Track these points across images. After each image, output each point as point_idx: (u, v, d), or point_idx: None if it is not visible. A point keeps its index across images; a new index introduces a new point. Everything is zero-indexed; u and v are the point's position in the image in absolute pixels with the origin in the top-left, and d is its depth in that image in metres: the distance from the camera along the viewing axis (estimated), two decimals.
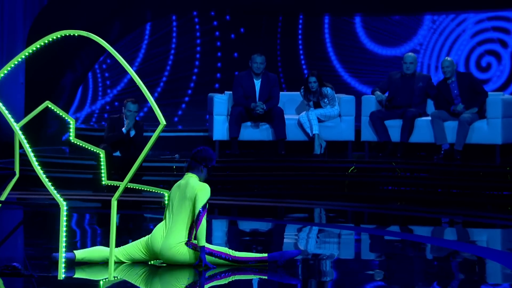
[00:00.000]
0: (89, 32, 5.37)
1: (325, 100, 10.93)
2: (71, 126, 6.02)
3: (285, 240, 7.26)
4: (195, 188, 5.70)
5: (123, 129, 10.10)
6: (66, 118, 6.01)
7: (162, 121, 4.75)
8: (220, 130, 11.02)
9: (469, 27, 12.98)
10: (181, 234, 5.66)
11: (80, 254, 5.71)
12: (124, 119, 10.14)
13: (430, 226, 8.11)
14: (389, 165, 10.30)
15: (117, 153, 10.15)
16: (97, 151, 6.10)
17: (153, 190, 6.18)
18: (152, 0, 13.10)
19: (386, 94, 10.97)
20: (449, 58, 10.84)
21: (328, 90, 10.94)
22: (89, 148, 6.13)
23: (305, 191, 10.09)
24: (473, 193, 9.71)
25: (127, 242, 5.93)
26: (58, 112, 6.03)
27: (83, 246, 6.62)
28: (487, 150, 10.57)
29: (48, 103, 5.92)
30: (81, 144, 6.07)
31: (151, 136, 5.38)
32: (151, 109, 13.47)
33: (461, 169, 10.09)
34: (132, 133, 10.19)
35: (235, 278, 5.52)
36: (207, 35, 13.62)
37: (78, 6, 12.48)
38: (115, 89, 13.50)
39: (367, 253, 6.72)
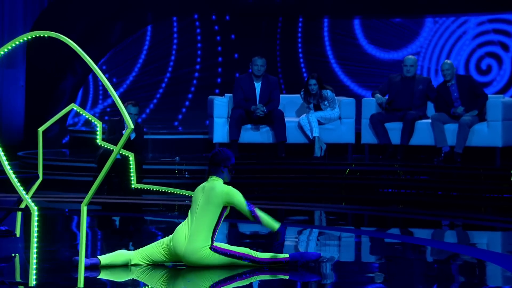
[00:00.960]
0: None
1: (325, 103, 10.94)
2: (98, 129, 5.98)
3: (285, 243, 7.25)
4: (221, 196, 5.72)
5: (123, 131, 10.09)
6: (93, 120, 5.97)
7: (130, 124, 4.72)
8: (220, 132, 11.02)
9: (469, 30, 12.98)
10: (205, 238, 5.67)
11: (104, 259, 5.72)
12: (124, 121, 10.14)
13: (430, 229, 8.11)
14: (390, 168, 10.30)
15: (118, 156, 10.15)
16: (127, 155, 6.07)
17: (179, 193, 6.18)
18: (153, 3, 13.11)
19: (386, 97, 10.98)
20: (448, 61, 10.83)
21: (328, 93, 10.94)
22: (123, 152, 6.08)
23: (305, 194, 10.09)
24: (473, 195, 9.70)
25: (127, 245, 5.93)
26: (84, 114, 6.01)
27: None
28: (487, 153, 10.57)
29: (73, 106, 5.90)
30: (109, 147, 6.05)
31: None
32: (152, 112, 13.47)
33: (461, 172, 10.09)
34: (133, 135, 10.19)
35: (257, 279, 5.52)
36: (208, 38, 13.63)
37: (79, 9, 12.48)
38: (117, 91, 13.51)
39: (367, 256, 6.72)
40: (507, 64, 12.73)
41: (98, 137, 5.94)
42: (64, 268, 5.80)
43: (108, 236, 7.40)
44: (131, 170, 6.02)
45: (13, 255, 6.00)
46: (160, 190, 6.30)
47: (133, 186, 6.07)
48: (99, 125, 5.96)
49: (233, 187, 5.85)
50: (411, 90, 10.87)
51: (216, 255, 5.67)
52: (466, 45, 13.00)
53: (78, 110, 5.94)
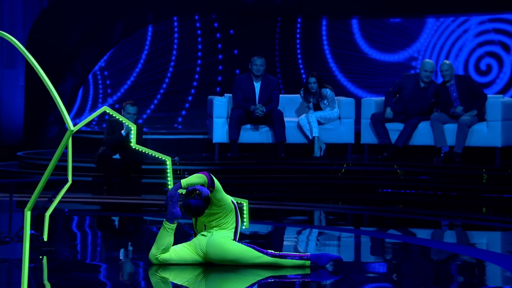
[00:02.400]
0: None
1: (325, 102, 10.93)
2: (132, 131, 5.97)
3: (285, 243, 7.26)
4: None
5: (122, 131, 10.09)
6: (127, 123, 5.94)
7: (70, 126, 4.70)
8: (219, 132, 11.02)
9: (469, 30, 12.98)
10: (227, 231, 5.69)
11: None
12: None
13: (430, 229, 8.11)
14: (389, 168, 10.30)
15: (117, 156, 10.15)
16: (163, 158, 6.05)
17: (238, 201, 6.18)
18: (154, 3, 13.11)
19: (390, 111, 10.73)
20: (447, 62, 10.82)
21: (327, 92, 10.93)
22: (153, 154, 6.07)
23: (304, 194, 10.10)
24: (472, 195, 9.71)
25: (126, 246, 5.93)
26: (116, 117, 5.99)
27: (83, 248, 6.62)
28: (487, 153, 10.58)
29: (105, 108, 5.87)
30: (143, 150, 6.03)
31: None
32: (152, 112, 13.47)
33: (461, 172, 10.09)
34: (131, 136, 10.19)
35: (256, 279, 5.53)
36: (208, 38, 13.63)
37: (78, 8, 12.48)
38: (115, 95, 13.49)
39: (367, 256, 6.72)
40: (508, 64, 12.73)
41: (132, 140, 5.91)
42: (63, 268, 5.80)
43: (107, 237, 7.40)
44: (168, 174, 6.01)
45: (40, 257, 5.97)
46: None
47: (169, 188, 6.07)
48: (133, 128, 5.93)
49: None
50: (424, 97, 10.76)
51: (238, 243, 5.67)
52: (466, 46, 13.00)
53: (110, 113, 5.91)
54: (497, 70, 12.81)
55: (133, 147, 5.98)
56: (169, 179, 6.07)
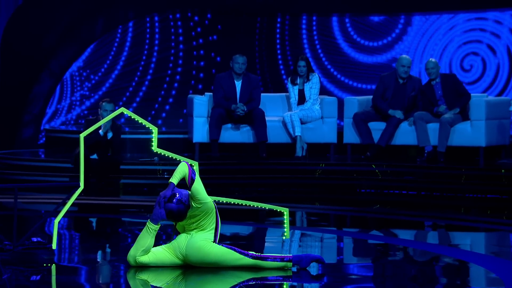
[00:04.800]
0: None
1: (310, 84, 10.95)
2: (153, 134, 5.89)
3: (266, 244, 7.27)
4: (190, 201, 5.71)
5: (100, 131, 10.07)
6: (148, 126, 5.88)
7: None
8: (200, 132, 11.02)
9: (455, 27, 13.05)
10: (207, 233, 5.70)
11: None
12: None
13: (413, 230, 8.15)
14: (372, 168, 10.34)
15: (94, 156, 10.12)
16: (191, 163, 5.98)
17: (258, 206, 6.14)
18: (132, 0, 13.10)
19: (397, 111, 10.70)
20: (433, 59, 10.86)
21: (315, 76, 11.01)
22: (175, 157, 5.99)
23: (286, 194, 10.11)
24: (456, 196, 9.77)
25: (104, 248, 5.92)
26: (136, 119, 5.95)
27: (60, 251, 6.59)
28: (471, 153, 10.64)
29: (123, 109, 5.83)
30: (165, 154, 5.95)
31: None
32: (134, 110, 13.43)
33: (444, 172, 10.15)
34: (110, 135, 10.16)
35: (238, 281, 5.54)
36: (189, 35, 13.62)
37: (54, 6, 12.43)
38: (93, 97, 13.44)
39: (349, 257, 6.74)
40: (493, 64, 12.81)
41: (153, 143, 5.83)
42: (39, 271, 5.78)
43: (85, 239, 7.38)
44: (285, 225, 6.02)
45: (44, 264, 5.90)
46: (226, 201, 6.22)
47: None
48: (154, 131, 5.88)
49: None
50: (404, 92, 10.82)
51: (218, 245, 5.68)
52: (451, 44, 13.07)
53: (128, 114, 5.87)
54: (482, 69, 12.89)
55: (155, 151, 5.89)
56: (285, 230, 6.15)
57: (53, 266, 5.91)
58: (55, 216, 5.90)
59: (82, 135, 5.86)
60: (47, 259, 6.00)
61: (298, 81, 11.04)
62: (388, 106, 10.76)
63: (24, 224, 7.78)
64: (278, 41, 13.65)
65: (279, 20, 13.64)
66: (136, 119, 5.93)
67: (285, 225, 6.17)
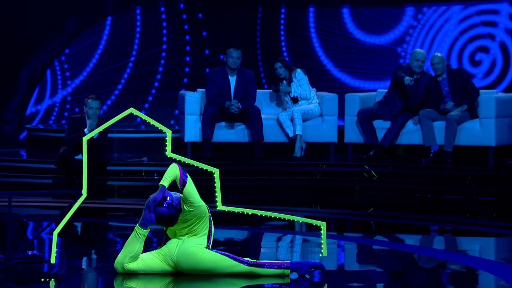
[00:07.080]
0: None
1: (295, 81, 10.93)
2: (167, 137, 5.84)
3: (262, 250, 7.26)
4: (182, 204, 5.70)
5: (86, 130, 10.04)
6: (160, 128, 5.84)
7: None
8: (192, 131, 11.00)
9: (454, 20, 13.09)
10: (200, 239, 5.68)
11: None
12: (86, 118, 10.09)
13: (419, 234, 8.15)
14: (374, 169, 10.33)
15: (79, 156, 10.10)
16: (210, 170, 5.94)
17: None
18: None
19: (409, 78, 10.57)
20: (439, 54, 10.83)
21: (297, 71, 10.96)
22: (198, 166, 5.90)
23: (284, 197, 10.10)
24: (464, 198, 9.77)
25: (89, 254, 5.91)
26: (146, 120, 5.91)
27: (42, 257, 6.56)
28: (480, 153, 10.64)
29: (132, 110, 5.82)
30: (183, 161, 5.87)
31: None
32: (111, 107, 13.42)
33: (452, 173, 10.14)
34: (96, 134, 10.14)
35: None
36: (175, 29, 13.62)
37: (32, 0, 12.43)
38: (74, 81, 13.44)
39: (351, 264, 6.74)
40: (499, 57, 12.83)
41: (167, 148, 5.79)
42: (20, 279, 5.76)
43: (69, 244, 7.36)
44: (216, 189, 5.91)
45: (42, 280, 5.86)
46: (252, 213, 6.16)
47: (218, 208, 5.96)
48: (168, 134, 5.84)
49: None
50: (418, 88, 10.77)
51: (211, 252, 5.66)
52: (453, 36, 13.10)
53: (137, 115, 5.86)
54: (488, 62, 12.91)
55: (169, 156, 5.84)
56: (217, 195, 5.92)
57: (33, 274, 5.89)
58: (56, 225, 5.90)
59: (85, 138, 5.85)
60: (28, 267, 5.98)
61: (282, 86, 11.01)
62: (410, 104, 10.69)
63: (14, 232, 7.76)
64: (282, 32, 13.65)
65: (283, 10, 13.64)
66: (147, 121, 5.92)
67: (322, 241, 6.03)
